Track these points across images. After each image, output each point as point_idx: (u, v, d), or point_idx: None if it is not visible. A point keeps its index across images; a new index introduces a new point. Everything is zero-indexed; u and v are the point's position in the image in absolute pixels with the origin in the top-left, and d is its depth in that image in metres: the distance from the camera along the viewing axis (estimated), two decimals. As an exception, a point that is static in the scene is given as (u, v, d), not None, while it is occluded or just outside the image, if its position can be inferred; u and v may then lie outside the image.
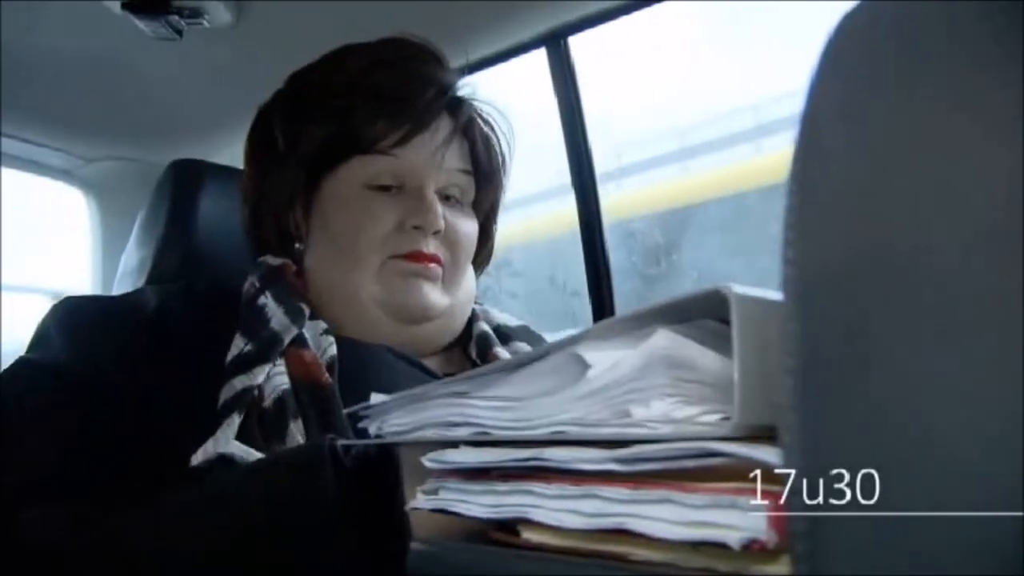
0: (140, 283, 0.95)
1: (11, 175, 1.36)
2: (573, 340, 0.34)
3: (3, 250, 1.38)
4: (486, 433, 0.37)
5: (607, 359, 0.32)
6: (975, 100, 0.22)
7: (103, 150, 1.37)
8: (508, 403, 0.36)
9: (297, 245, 0.75)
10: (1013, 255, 0.20)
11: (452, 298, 0.73)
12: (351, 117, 0.71)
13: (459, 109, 0.75)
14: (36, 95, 1.17)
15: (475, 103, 0.77)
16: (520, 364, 0.37)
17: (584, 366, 0.33)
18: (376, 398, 0.45)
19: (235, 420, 0.59)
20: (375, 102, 0.71)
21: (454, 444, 0.40)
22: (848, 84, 0.25)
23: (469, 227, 0.75)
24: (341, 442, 0.47)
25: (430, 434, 0.41)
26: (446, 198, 0.74)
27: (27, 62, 1.08)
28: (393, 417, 0.44)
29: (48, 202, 1.49)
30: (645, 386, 0.31)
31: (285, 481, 0.47)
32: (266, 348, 0.64)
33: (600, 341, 0.33)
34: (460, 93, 0.76)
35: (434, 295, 0.71)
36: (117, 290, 1.00)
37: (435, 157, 0.72)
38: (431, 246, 0.71)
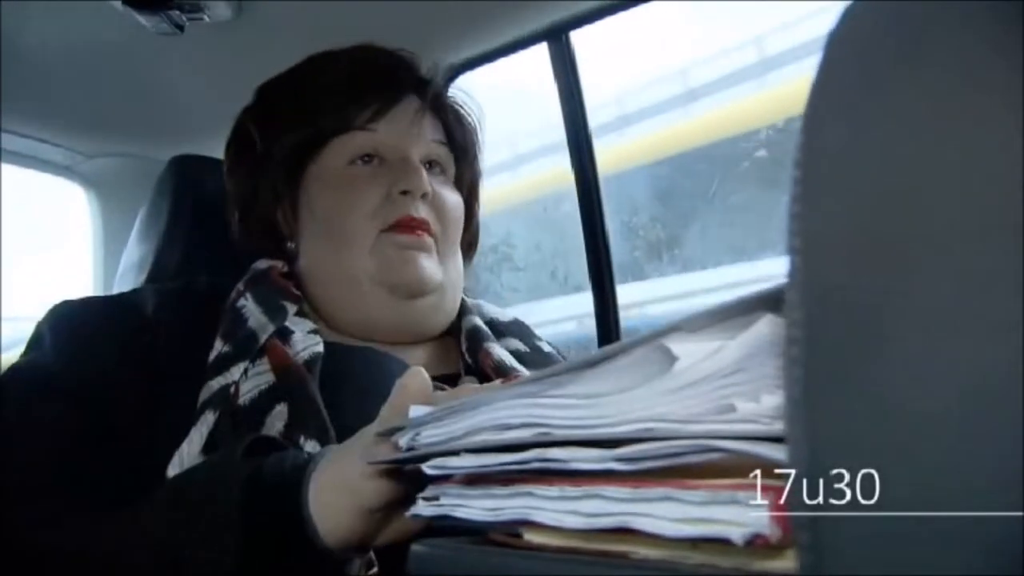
0: (141, 280, 0.95)
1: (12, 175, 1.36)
2: (657, 333, 0.31)
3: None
4: (549, 434, 0.34)
5: (699, 350, 0.29)
6: (977, 91, 0.22)
7: (104, 146, 1.37)
8: (579, 400, 0.33)
9: (289, 244, 0.75)
10: (1018, 245, 0.20)
11: (445, 274, 0.74)
12: (321, 114, 0.72)
13: (425, 89, 0.77)
14: (37, 91, 1.17)
15: (440, 83, 0.79)
16: (594, 361, 0.33)
17: (671, 359, 0.30)
18: (415, 411, 0.41)
19: (209, 418, 0.59)
20: (341, 93, 0.73)
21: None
22: (851, 75, 0.25)
23: (455, 198, 0.76)
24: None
25: (479, 439, 0.37)
26: (429, 166, 0.75)
27: (28, 57, 1.08)
28: (430, 428, 0.40)
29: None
30: (751, 378, 0.28)
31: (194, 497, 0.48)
32: (242, 347, 0.64)
33: (688, 334, 0.30)
34: (424, 75, 0.77)
35: (430, 266, 0.71)
36: (118, 287, 1.00)
37: (412, 127, 0.74)
38: (421, 211, 0.71)
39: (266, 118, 0.76)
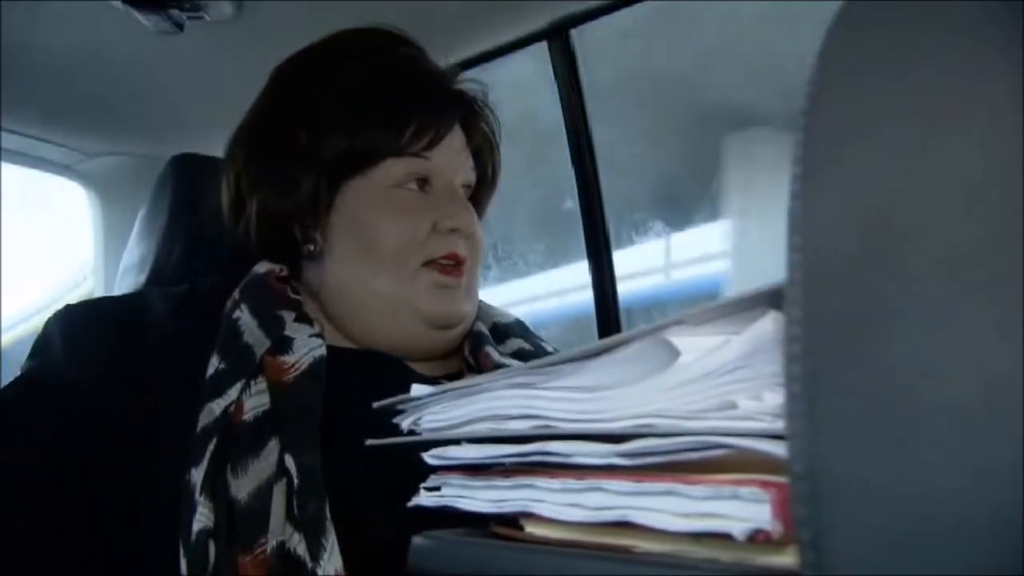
0: (142, 279, 0.95)
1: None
2: (660, 326, 0.30)
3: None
4: (549, 427, 0.34)
5: (702, 345, 0.29)
6: (975, 85, 0.22)
7: (104, 145, 1.37)
8: (580, 394, 0.33)
9: (310, 246, 0.73)
10: (1018, 238, 0.20)
11: (471, 302, 0.74)
12: (378, 125, 0.70)
13: (471, 116, 0.76)
14: (37, 90, 1.17)
15: (479, 103, 0.77)
16: (595, 353, 0.33)
17: (673, 353, 0.29)
18: (417, 389, 0.41)
19: (212, 444, 0.58)
20: (403, 110, 0.70)
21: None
22: (849, 73, 0.25)
23: (478, 224, 0.76)
24: None
25: (482, 428, 0.37)
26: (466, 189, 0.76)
27: (28, 57, 1.08)
28: (432, 412, 0.40)
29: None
30: (753, 375, 0.27)
31: None
32: (238, 365, 0.63)
33: (691, 328, 0.30)
34: (470, 92, 0.76)
35: (462, 302, 0.72)
36: (119, 287, 1.00)
37: (459, 156, 0.73)
38: (462, 247, 0.71)
39: (311, 108, 0.72)
